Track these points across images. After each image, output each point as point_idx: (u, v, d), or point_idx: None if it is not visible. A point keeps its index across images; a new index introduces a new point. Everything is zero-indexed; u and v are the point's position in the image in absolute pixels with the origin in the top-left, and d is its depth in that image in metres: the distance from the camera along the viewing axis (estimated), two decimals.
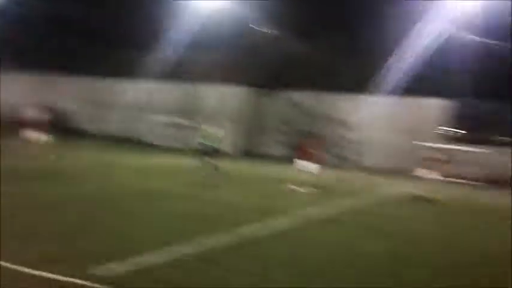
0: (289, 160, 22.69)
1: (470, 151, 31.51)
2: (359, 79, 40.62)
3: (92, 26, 42.49)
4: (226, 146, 36.45)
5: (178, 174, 17.42)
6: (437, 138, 32.56)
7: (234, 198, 12.23)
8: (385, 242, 8.66)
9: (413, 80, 48.58)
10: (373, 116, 34.12)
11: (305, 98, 36.51)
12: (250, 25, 42.61)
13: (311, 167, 15.08)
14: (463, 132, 36.74)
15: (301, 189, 14.68)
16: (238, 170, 20.86)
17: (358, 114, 34.52)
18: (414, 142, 31.32)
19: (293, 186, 14.86)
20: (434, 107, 33.23)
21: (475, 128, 35.78)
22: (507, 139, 36.50)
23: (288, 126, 36.70)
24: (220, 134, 17.17)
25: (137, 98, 40.10)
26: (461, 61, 34.25)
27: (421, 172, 17.22)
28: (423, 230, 10.47)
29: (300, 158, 15.62)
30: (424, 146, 31.85)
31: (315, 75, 39.13)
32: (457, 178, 30.30)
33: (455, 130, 33.69)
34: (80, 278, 5.06)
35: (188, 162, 22.05)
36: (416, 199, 15.72)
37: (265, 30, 40.63)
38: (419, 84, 53.10)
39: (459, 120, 33.58)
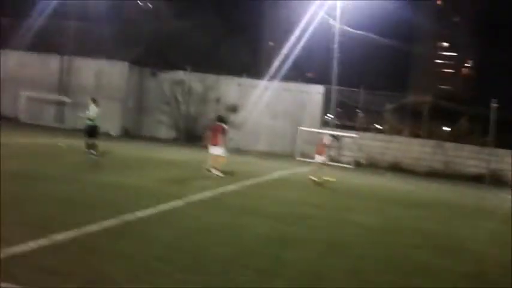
0: (171, 142, 22.27)
1: (348, 136, 33.43)
2: (241, 63, 41.28)
3: None
4: (106, 126, 34.82)
5: (58, 155, 16.04)
6: (319, 123, 34.08)
7: (116, 180, 11.49)
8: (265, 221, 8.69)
9: (294, 66, 50.71)
10: (256, 100, 34.65)
11: (187, 78, 35.94)
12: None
13: (217, 150, 14.63)
14: (339, 119, 38.97)
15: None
16: (119, 150, 19.80)
17: (241, 97, 34.82)
18: (299, 127, 32.45)
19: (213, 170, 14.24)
20: (314, 93, 34.53)
21: (350, 115, 38.12)
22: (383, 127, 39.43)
23: (169, 107, 35.93)
24: (99, 112, 16.12)
25: (4, 71, 36.51)
26: (344, 51, 36.11)
27: (314, 156, 17.42)
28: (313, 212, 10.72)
29: (209, 142, 15.02)
30: (307, 131, 33.39)
31: (198, 57, 38.87)
32: (338, 162, 32.04)
33: (332, 116, 35.43)
34: None
35: (66, 141, 20.52)
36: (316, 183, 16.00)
37: (147, 6, 39.37)
38: (300, 71, 55.24)
39: (337, 107, 35.40)
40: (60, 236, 5.93)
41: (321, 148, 17.27)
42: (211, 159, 15.01)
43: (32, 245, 5.47)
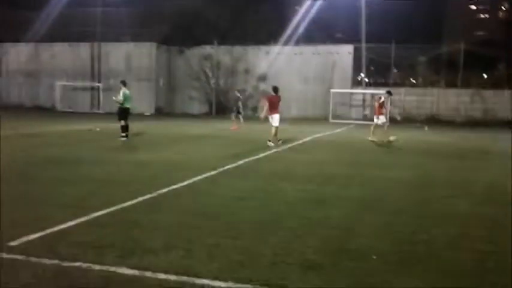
0: (203, 116, 22.53)
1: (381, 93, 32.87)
2: (268, 31, 40.82)
3: None
4: (140, 106, 35.44)
5: (94, 139, 16.56)
6: (350, 84, 33.63)
7: (151, 157, 11.83)
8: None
9: (322, 28, 49.78)
10: (286, 67, 34.41)
11: (215, 52, 35.95)
12: None
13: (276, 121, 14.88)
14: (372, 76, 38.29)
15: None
16: (153, 129, 20.23)
17: (270, 66, 34.64)
18: (330, 90, 32.14)
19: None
20: (344, 54, 33.97)
21: (382, 71, 37.39)
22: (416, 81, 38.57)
23: (199, 82, 36.18)
24: (129, 94, 16.34)
25: (37, 63, 37.53)
26: (368, 7, 35.17)
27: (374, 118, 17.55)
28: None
29: (269, 113, 15.16)
30: (339, 92, 33.02)
31: (224, 30, 38.68)
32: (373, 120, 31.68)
33: (363, 75, 34.86)
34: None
35: (101, 126, 21.09)
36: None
37: None
38: (328, 33, 54.25)
39: (367, 65, 34.76)
40: (98, 213, 6.23)
41: (380, 109, 17.27)
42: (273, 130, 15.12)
43: (72, 222, 5.79)
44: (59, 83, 36.16)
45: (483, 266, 4.81)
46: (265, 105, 15.66)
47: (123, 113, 16.09)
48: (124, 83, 16.76)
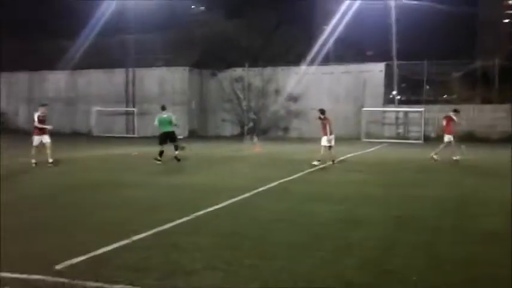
0: (236, 138, 22.76)
1: (413, 111, 32.50)
2: (297, 52, 41.13)
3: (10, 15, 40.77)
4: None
5: (132, 163, 16.93)
6: (382, 102, 33.42)
7: (187, 180, 12.04)
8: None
9: (352, 46, 49.77)
10: (316, 86, 34.52)
11: (246, 74, 36.41)
12: (182, 7, 42.08)
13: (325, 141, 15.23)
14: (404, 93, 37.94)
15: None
16: (188, 152, 20.56)
17: (301, 86, 34.81)
18: (362, 109, 32.01)
19: None
20: (375, 72, 33.89)
21: (415, 88, 37.02)
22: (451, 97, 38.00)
23: (231, 104, 36.60)
24: (176, 119, 16.53)
25: (74, 89, 38.78)
26: (396, 25, 35.07)
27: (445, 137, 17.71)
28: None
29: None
30: (371, 111, 32.85)
31: (254, 52, 39.20)
32: (407, 138, 31.30)
33: (395, 92, 34.62)
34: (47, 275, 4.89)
35: (138, 149, 21.54)
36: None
37: (199, 9, 40.14)
38: (359, 51, 54.15)
39: (399, 82, 34.53)
40: (139, 236, 6.38)
41: (451, 127, 17.23)
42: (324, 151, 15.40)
43: (114, 245, 5.94)
44: (95, 109, 37.17)
45: None
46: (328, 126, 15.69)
47: (160, 138, 16.34)
48: (162, 108, 16.99)
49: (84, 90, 38.43)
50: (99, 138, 32.75)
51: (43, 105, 15.84)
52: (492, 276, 4.96)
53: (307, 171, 13.96)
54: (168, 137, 16.26)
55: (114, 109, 37.26)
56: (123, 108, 37.48)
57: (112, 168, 14.99)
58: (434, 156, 17.22)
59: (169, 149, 16.29)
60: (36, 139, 14.78)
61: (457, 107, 19.95)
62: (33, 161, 14.55)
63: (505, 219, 7.67)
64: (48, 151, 14.82)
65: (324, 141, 15.57)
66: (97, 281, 4.73)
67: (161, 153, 15.92)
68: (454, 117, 17.60)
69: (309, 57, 37.16)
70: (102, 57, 38.38)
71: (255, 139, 22.62)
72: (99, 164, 16.39)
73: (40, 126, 14.77)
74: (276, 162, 16.73)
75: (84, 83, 38.68)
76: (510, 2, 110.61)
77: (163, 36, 39.37)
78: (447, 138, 17.38)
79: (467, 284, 4.73)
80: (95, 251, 5.68)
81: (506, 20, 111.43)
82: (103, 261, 5.39)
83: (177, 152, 16.05)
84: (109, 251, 5.76)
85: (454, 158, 16.83)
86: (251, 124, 23.18)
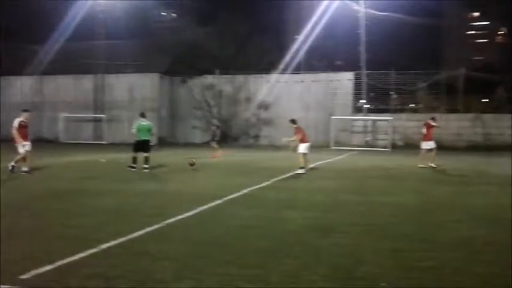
0: (206, 145, 22.71)
1: (381, 119, 33.08)
2: (268, 60, 41.42)
3: None
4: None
5: (99, 170, 16.68)
6: (351, 110, 33.90)
7: (157, 188, 11.94)
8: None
9: (322, 56, 50.40)
10: (287, 95, 34.78)
11: (217, 82, 36.40)
12: (154, 13, 41.85)
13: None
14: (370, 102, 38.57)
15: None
16: (156, 159, 20.35)
17: (271, 94, 35.03)
18: (331, 117, 32.39)
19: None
20: (344, 81, 34.37)
21: (383, 98, 37.69)
22: (418, 106, 38.82)
23: (202, 111, 36.50)
24: (151, 126, 16.20)
25: (40, 95, 37.99)
26: (364, 35, 35.70)
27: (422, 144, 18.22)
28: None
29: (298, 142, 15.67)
30: (340, 119, 33.25)
31: (226, 60, 39.27)
32: (374, 146, 31.81)
33: (364, 101, 35.17)
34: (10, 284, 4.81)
35: (106, 157, 21.24)
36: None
37: (171, 16, 40.00)
38: (328, 61, 54.81)
39: (367, 91, 35.11)
40: (108, 244, 6.28)
41: (430, 134, 17.72)
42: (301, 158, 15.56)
43: (82, 254, 5.83)
44: (63, 115, 36.50)
45: None
46: (298, 136, 15.82)
47: (135, 145, 16.05)
48: (142, 115, 16.66)
49: (51, 96, 37.69)
50: (67, 145, 32.16)
51: (25, 110, 15.35)
52: (459, 282, 5.07)
53: (277, 178, 14.02)
54: (144, 145, 15.94)
55: (83, 115, 36.66)
56: (92, 115, 36.90)
57: (80, 175, 14.72)
58: (422, 165, 17.70)
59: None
60: (22, 145, 14.35)
61: (435, 115, 20.60)
62: (25, 168, 14.31)
63: (472, 225, 7.87)
64: (28, 159, 14.50)
65: (302, 148, 15.67)
66: None
67: (135, 159, 15.69)
68: (434, 124, 18.14)
69: (281, 66, 37.49)
70: (70, 62, 37.80)
71: (216, 146, 22.56)
72: (67, 171, 16.08)
73: (17, 133, 14.38)
74: (246, 170, 16.75)
75: (51, 89, 37.95)
76: (474, 14, 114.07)
77: (134, 43, 39.10)
78: (428, 145, 17.85)
79: None
80: (62, 260, 5.57)
81: (471, 32, 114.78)
82: (71, 270, 5.29)
83: (146, 166, 15.64)
84: (77, 259, 5.66)
85: (431, 164, 17.26)
86: (213, 130, 23.12)
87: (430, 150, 17.95)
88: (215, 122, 24.20)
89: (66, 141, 34.95)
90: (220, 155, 21.99)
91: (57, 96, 37.52)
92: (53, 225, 7.58)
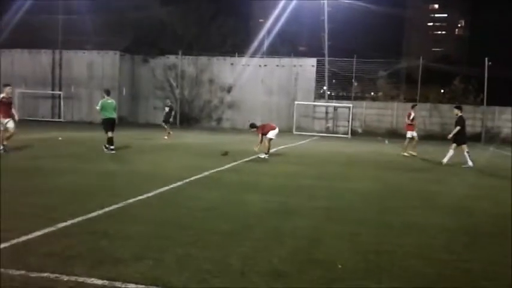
0: (169, 126, 22.47)
1: (342, 106, 33.56)
2: (233, 43, 41.17)
3: None
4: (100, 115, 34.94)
5: (56, 148, 16.26)
6: (313, 96, 34.18)
7: (116, 168, 11.77)
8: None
9: (286, 41, 50.39)
10: (250, 78, 34.71)
11: (179, 62, 35.94)
12: None
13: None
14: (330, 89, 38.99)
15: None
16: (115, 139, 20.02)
17: (235, 77, 34.90)
18: (294, 102, 32.58)
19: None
20: (307, 67, 34.55)
21: (344, 85, 38.18)
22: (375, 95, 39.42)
23: (163, 91, 36.02)
24: (115, 104, 15.62)
25: None
26: (326, 21, 35.94)
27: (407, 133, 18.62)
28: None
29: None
30: (303, 104, 33.43)
31: (189, 40, 38.77)
32: (335, 132, 32.26)
33: (326, 88, 35.53)
34: None
35: (63, 134, 20.72)
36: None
37: None
38: (292, 46, 54.92)
39: (330, 78, 35.48)
40: (66, 223, 6.18)
41: (410, 125, 18.26)
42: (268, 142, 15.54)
43: (39, 233, 5.72)
44: (18, 91, 35.28)
45: (441, 274, 5.03)
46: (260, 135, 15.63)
47: (104, 124, 15.43)
48: (107, 92, 16.04)
49: (6, 71, 36.31)
50: (23, 122, 31.13)
51: (6, 85, 14.48)
52: (413, 266, 5.26)
53: (239, 161, 14.06)
54: (112, 123, 15.38)
55: (39, 91, 35.55)
56: (49, 92, 35.83)
57: (37, 153, 14.34)
58: (406, 154, 18.30)
59: (96, 135, 15.79)
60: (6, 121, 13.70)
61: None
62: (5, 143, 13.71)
63: (425, 211, 8.14)
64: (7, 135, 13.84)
65: (271, 134, 15.57)
66: (21, 269, 4.55)
67: (110, 140, 15.08)
68: (413, 113, 18.50)
69: (245, 49, 37.34)
70: (28, 36, 36.43)
71: (167, 127, 22.25)
72: (24, 149, 15.61)
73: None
74: (208, 152, 16.70)
75: (7, 63, 36.54)
76: (435, 6, 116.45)
77: (95, 18, 37.96)
78: (410, 134, 18.28)
79: (389, 272, 4.99)
80: (18, 238, 5.45)
81: (431, 23, 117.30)
82: (28, 248, 5.18)
83: (112, 147, 15.08)
84: (34, 238, 5.55)
85: (412, 153, 17.82)
86: (166, 111, 22.65)
87: (411, 138, 18.48)
88: (168, 102, 23.71)
89: (22, 118, 33.82)
90: (171, 137, 21.61)
91: (12, 70, 36.18)
92: (9, 204, 7.38)
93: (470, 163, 15.00)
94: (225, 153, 15.68)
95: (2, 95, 13.97)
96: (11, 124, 13.89)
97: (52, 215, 6.57)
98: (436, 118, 32.13)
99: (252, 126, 16.01)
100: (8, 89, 14.20)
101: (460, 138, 15.40)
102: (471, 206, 8.84)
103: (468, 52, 78.63)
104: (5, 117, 13.88)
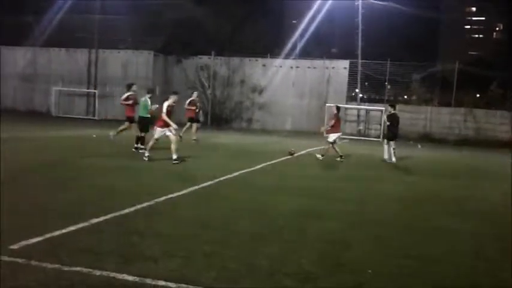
0: (201, 126, 22.61)
1: (375, 109, 33.17)
2: (265, 43, 41.19)
3: None
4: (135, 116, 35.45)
5: (91, 146, 16.62)
6: (345, 99, 33.88)
7: (149, 166, 11.95)
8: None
9: (318, 43, 50.19)
10: (282, 80, 34.67)
11: (212, 63, 36.19)
12: None
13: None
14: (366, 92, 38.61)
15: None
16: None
17: (266, 78, 34.91)
18: (326, 104, 32.37)
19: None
20: (340, 69, 34.28)
21: (377, 88, 37.75)
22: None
23: (196, 91, 36.28)
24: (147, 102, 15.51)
25: (33, 67, 37.55)
26: (365, 24, 35.60)
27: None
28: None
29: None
30: (335, 106, 32.98)
31: (222, 41, 38.99)
32: (367, 136, 31.94)
33: (358, 91, 35.18)
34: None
35: (98, 132, 21.15)
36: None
37: None
38: (325, 47, 54.59)
39: (362, 80, 35.12)
40: (98, 220, 6.31)
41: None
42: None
43: (72, 228, 5.86)
44: (55, 88, 36.20)
45: (470, 281, 4.93)
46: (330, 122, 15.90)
47: (139, 123, 15.23)
48: (148, 91, 15.89)
49: (44, 69, 37.29)
50: (58, 119, 31.94)
51: (175, 92, 14.17)
52: (442, 272, 5.17)
53: (270, 162, 14.07)
54: (142, 123, 15.12)
55: (75, 89, 36.36)
56: (85, 90, 36.61)
57: (72, 149, 14.68)
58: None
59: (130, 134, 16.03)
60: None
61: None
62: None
63: (456, 217, 7.98)
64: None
65: (333, 137, 15.72)
66: (54, 262, 4.68)
67: (139, 138, 14.94)
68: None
69: (277, 50, 37.31)
70: (65, 36, 37.31)
71: (192, 127, 21.41)
72: (59, 144, 16.00)
73: None
74: (239, 153, 16.77)
75: (44, 62, 37.52)
76: (473, 8, 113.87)
77: (130, 19, 38.60)
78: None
79: (417, 278, 4.91)
80: (52, 233, 5.60)
81: (468, 26, 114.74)
82: (60, 243, 5.32)
83: (141, 147, 14.76)
84: (67, 233, 5.69)
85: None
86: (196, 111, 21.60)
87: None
88: (196, 100, 22.45)
89: (57, 115, 34.71)
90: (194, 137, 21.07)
91: (50, 69, 37.12)
92: (44, 198, 7.58)
93: (393, 159, 15.89)
94: (292, 153, 16.08)
95: (169, 102, 13.44)
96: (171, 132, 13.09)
97: (85, 211, 6.72)
98: (471, 123, 31.40)
99: (337, 108, 16.30)
100: (174, 97, 13.67)
101: (388, 134, 16.44)
102: (501, 213, 8.62)
103: (506, 56, 76.58)
104: (162, 126, 13.01)
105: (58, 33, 36.78)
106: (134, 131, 15.15)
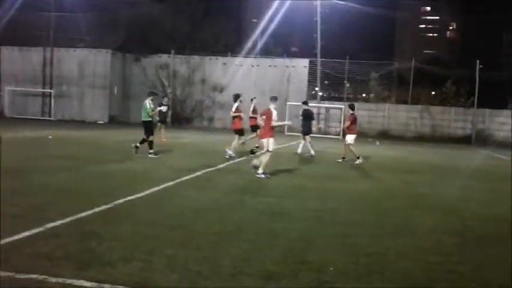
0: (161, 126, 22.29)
1: (334, 107, 33.60)
2: (225, 42, 41.07)
3: None
4: (94, 115, 34.69)
5: (47, 147, 16.12)
6: (306, 97, 34.15)
7: (107, 168, 11.66)
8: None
9: (278, 42, 50.42)
10: (243, 78, 34.62)
11: (171, 61, 35.79)
12: None
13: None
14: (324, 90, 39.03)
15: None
16: (106, 138, 19.86)
17: (227, 77, 34.80)
18: (286, 102, 32.55)
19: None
20: (300, 67, 34.52)
21: (336, 86, 38.24)
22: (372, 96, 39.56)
23: (155, 91, 35.81)
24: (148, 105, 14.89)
25: None
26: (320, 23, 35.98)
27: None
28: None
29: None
30: (295, 105, 33.28)
31: (182, 40, 38.61)
32: (327, 133, 32.30)
33: (318, 89, 35.54)
34: None
35: (53, 133, 20.55)
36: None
37: None
38: (285, 46, 54.82)
39: (322, 79, 35.49)
40: (54, 224, 6.09)
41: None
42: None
43: (27, 233, 5.63)
44: (8, 88, 34.99)
45: (429, 276, 5.02)
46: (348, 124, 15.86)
47: (144, 127, 14.73)
48: (149, 93, 15.42)
49: None
50: (12, 120, 30.88)
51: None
52: (404, 268, 5.24)
53: (232, 161, 14.00)
54: (144, 126, 14.65)
55: (30, 89, 35.25)
56: (40, 89, 35.53)
57: (27, 152, 14.19)
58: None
59: (89, 134, 15.64)
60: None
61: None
62: None
63: (417, 213, 8.13)
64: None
65: (350, 139, 15.66)
66: (7, 270, 4.47)
67: (149, 142, 14.44)
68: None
69: (237, 49, 37.26)
70: (18, 33, 36.07)
71: (162, 128, 21.39)
72: (13, 147, 15.42)
73: None
74: (200, 152, 16.62)
75: None
76: (427, 8, 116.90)
77: (86, 16, 37.67)
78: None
79: (380, 275, 4.96)
80: (5, 239, 5.36)
81: (423, 26, 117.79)
82: (15, 249, 5.10)
83: (150, 151, 14.31)
84: (21, 238, 5.46)
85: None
86: (163, 110, 21.52)
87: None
88: (165, 100, 22.71)
89: (11, 116, 33.58)
90: (164, 138, 20.97)
91: (2, 68, 35.85)
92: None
93: (312, 152, 16.56)
94: (254, 152, 15.86)
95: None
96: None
97: (40, 215, 6.49)
98: (427, 120, 32.24)
99: (351, 107, 16.41)
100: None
101: (304, 129, 17.25)
102: (457, 207, 8.86)
103: (459, 55, 79.13)
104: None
105: (10, 31, 35.48)
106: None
